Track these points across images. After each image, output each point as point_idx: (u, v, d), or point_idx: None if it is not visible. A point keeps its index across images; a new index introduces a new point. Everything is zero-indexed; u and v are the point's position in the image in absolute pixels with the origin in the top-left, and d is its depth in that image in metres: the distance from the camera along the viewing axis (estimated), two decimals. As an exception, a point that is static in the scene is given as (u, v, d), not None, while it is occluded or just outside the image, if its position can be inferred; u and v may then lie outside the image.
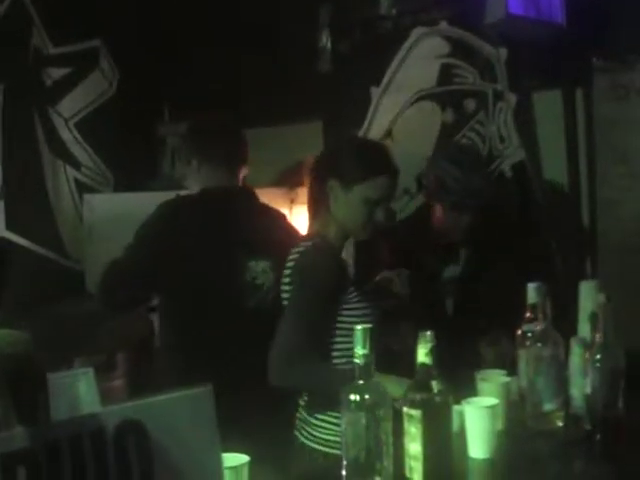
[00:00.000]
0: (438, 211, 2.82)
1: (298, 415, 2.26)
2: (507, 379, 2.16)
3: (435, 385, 1.61)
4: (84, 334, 3.15)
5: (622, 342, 1.88)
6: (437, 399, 1.61)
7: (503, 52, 3.37)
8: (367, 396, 1.55)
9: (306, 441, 2.20)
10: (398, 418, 1.62)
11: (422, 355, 1.62)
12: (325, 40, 3.78)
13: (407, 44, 3.61)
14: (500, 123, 3.42)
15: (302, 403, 2.25)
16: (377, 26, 3.66)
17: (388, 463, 1.57)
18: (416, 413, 1.60)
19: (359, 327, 1.56)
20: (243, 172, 2.65)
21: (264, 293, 2.50)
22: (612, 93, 3.20)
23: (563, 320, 2.13)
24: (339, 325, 2.15)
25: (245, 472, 1.57)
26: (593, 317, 1.96)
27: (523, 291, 2.10)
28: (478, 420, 1.86)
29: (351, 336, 1.58)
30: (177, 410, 1.19)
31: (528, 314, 2.10)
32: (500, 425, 1.98)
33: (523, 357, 2.12)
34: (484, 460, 1.85)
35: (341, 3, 3.79)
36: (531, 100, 3.38)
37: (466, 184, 2.74)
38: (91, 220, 3.64)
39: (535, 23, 3.15)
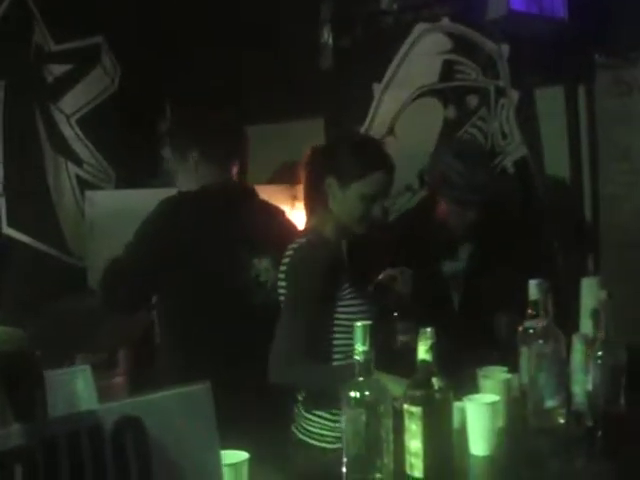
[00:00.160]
0: (441, 206, 2.81)
1: (295, 411, 2.26)
2: (508, 376, 2.15)
3: (435, 382, 1.61)
4: (86, 331, 3.14)
5: (624, 339, 1.88)
6: (437, 396, 1.61)
7: (505, 48, 3.36)
8: (367, 393, 1.55)
9: (303, 437, 2.20)
10: (398, 415, 1.61)
11: (422, 352, 1.61)
12: (326, 36, 3.77)
13: (409, 40, 3.60)
14: (502, 119, 3.41)
15: (300, 399, 2.25)
16: (379, 22, 3.66)
17: (388, 460, 1.57)
18: (416, 410, 1.59)
19: (359, 324, 1.56)
20: (236, 167, 2.65)
21: (268, 291, 2.48)
22: (614, 89, 3.20)
23: (565, 317, 2.12)
24: (335, 322, 2.15)
25: (244, 469, 1.56)
26: (595, 314, 1.96)
27: (525, 287, 2.09)
28: (479, 417, 1.86)
29: (348, 333, 1.57)
30: (176, 407, 1.18)
31: (530, 311, 2.10)
32: (501, 422, 1.98)
33: (525, 354, 2.11)
34: (485, 457, 1.85)
35: (342, -1, 3.79)
36: (533, 96, 3.37)
37: (470, 179, 2.73)
38: (93, 216, 3.63)
39: (537, 19, 3.14)
